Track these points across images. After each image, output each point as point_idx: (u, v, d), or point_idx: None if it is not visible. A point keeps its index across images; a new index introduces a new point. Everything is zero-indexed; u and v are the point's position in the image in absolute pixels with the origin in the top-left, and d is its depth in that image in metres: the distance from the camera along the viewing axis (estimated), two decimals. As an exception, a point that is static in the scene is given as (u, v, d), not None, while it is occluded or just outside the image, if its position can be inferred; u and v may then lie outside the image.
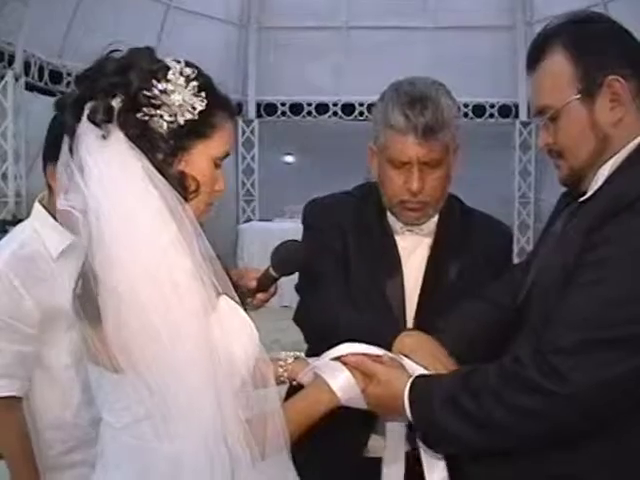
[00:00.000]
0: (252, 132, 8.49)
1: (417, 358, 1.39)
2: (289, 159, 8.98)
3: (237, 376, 1.07)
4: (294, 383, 1.43)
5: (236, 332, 1.10)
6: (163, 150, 1.09)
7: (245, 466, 1.05)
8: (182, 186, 1.10)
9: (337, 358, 1.36)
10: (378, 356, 1.37)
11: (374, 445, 1.63)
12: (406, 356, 1.40)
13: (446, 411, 1.23)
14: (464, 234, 1.70)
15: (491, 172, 7.92)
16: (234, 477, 1.05)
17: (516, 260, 1.72)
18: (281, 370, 1.42)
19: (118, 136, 1.06)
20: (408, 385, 1.30)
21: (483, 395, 1.21)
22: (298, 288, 1.74)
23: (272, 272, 1.56)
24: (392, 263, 1.66)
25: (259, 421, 1.08)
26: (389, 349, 1.42)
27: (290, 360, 1.44)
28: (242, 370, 1.08)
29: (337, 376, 1.33)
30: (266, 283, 1.58)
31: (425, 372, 1.36)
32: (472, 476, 1.28)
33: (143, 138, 1.08)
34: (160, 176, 1.06)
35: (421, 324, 1.59)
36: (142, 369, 1.01)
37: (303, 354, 1.47)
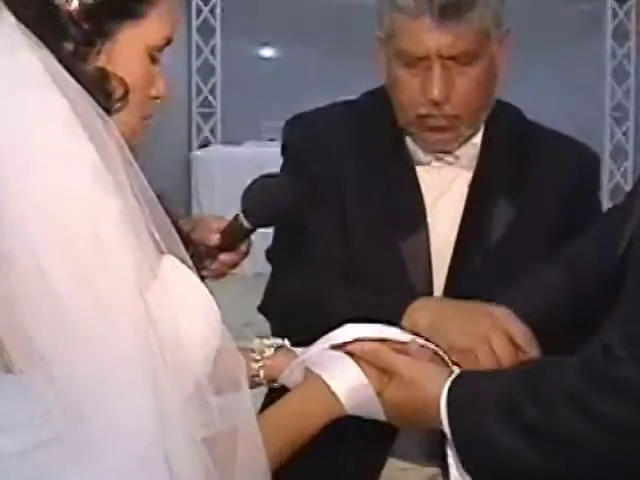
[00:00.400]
0: (212, 11, 8.37)
1: (456, 339, 1.42)
2: (267, 52, 8.85)
3: (189, 375, 1.08)
4: (275, 385, 1.49)
5: (188, 311, 1.11)
6: (73, 38, 1.09)
7: None
8: (103, 91, 1.10)
9: (339, 346, 1.40)
10: (401, 343, 1.41)
11: (392, 474, 1.67)
12: (427, 340, 1.44)
13: (502, 424, 1.28)
14: (523, 165, 1.70)
15: (569, 71, 7.84)
16: None
17: (606, 203, 1.83)
18: (256, 366, 1.46)
19: (4, 19, 1.05)
20: (446, 386, 1.34)
21: (557, 402, 1.25)
22: (272, 254, 1.76)
23: (243, 221, 1.56)
24: (412, 211, 1.66)
25: (224, 441, 1.09)
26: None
27: (269, 352, 1.48)
28: (196, 367, 1.08)
29: (340, 373, 1.36)
30: (234, 238, 1.60)
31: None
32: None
33: (42, 21, 1.07)
34: (70, 77, 1.05)
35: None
36: (46, 366, 1.00)
37: (287, 342, 1.50)
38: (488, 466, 1.33)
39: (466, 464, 1.34)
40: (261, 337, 1.50)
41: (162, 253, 1.10)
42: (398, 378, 1.38)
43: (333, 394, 1.36)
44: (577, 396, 1.24)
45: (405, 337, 1.44)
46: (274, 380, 1.49)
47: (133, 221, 1.04)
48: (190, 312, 1.11)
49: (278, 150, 1.81)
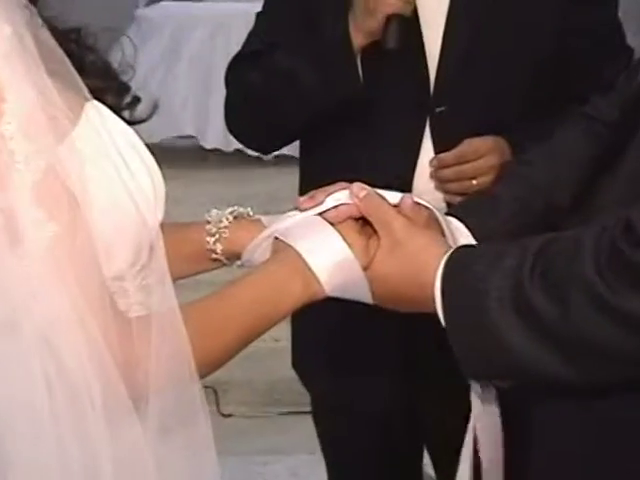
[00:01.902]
0: None
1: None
2: None
3: (110, 262, 1.09)
4: (238, 263, 1.39)
5: (113, 175, 1.10)
6: None
7: (96, 421, 1.03)
8: None
9: (319, 214, 1.34)
10: (393, 205, 1.34)
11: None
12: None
13: (507, 312, 1.19)
14: None
15: None
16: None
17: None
18: (211, 240, 1.38)
19: None
20: (444, 259, 1.25)
21: (569, 290, 1.16)
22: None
23: None
24: None
25: (139, 327, 1.08)
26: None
27: (226, 220, 1.39)
28: (120, 251, 1.10)
29: (320, 245, 1.29)
30: None
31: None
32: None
33: None
34: None
35: (450, 104, 1.91)
36: None
37: (250, 210, 1.43)
38: (490, 363, 1.23)
39: (464, 363, 1.24)
40: (219, 208, 1.43)
41: (86, 99, 1.10)
42: (391, 244, 1.29)
43: (311, 271, 1.26)
44: (593, 284, 1.15)
45: (394, 196, 1.35)
46: (236, 256, 1.39)
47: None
48: (115, 180, 1.10)
49: (247, 6, 1.90)
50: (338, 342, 2.05)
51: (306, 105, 1.93)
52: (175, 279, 1.14)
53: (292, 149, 2.40)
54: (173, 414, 1.10)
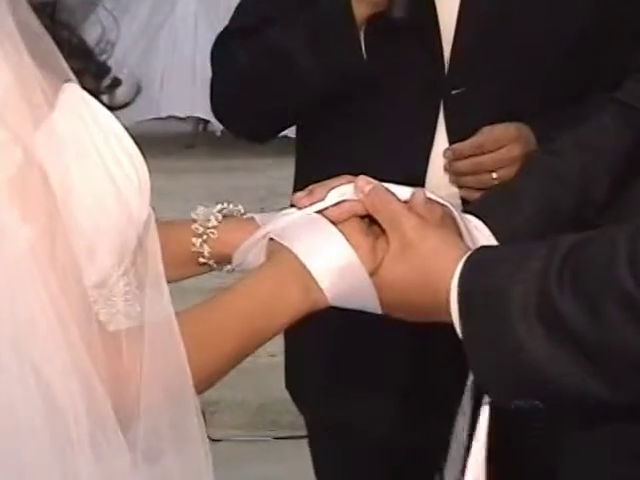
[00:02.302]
0: None
1: None
2: None
3: (95, 264, 1.09)
4: (229, 267, 1.39)
5: (94, 167, 1.10)
6: None
7: (80, 442, 1.02)
8: None
9: (320, 212, 1.33)
10: (403, 202, 1.33)
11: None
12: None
13: (531, 322, 1.19)
14: None
15: None
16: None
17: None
18: (198, 241, 1.37)
19: None
20: (461, 263, 1.24)
21: (602, 298, 1.16)
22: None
23: None
24: None
25: (129, 339, 1.09)
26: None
27: (215, 220, 1.38)
28: (105, 249, 1.10)
29: (321, 247, 1.29)
30: None
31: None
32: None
33: None
34: None
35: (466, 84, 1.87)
36: None
37: (241, 208, 1.42)
38: (511, 379, 1.23)
39: (482, 379, 1.24)
40: (207, 205, 1.41)
41: (67, 80, 1.09)
42: (402, 246, 1.28)
43: (311, 277, 1.25)
44: (628, 294, 1.14)
45: (404, 191, 1.33)
46: (226, 260, 1.38)
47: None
48: (97, 168, 1.10)
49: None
50: (337, 358, 2.01)
51: (302, 87, 1.88)
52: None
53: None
54: (166, 436, 1.09)
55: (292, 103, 1.94)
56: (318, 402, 2.05)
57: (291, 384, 2.12)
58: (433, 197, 1.35)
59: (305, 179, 1.48)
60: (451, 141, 1.88)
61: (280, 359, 2.23)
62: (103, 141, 1.12)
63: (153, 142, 5.07)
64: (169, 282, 1.31)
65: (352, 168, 1.38)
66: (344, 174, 1.35)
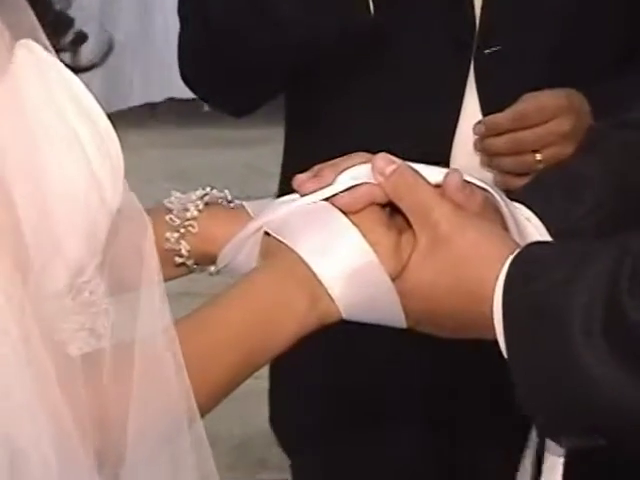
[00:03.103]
0: None
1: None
2: None
3: (60, 261, 1.09)
4: (212, 270, 1.39)
5: (56, 142, 1.11)
6: None
7: None
8: None
9: (328, 199, 1.32)
10: (434, 186, 1.32)
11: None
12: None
13: (596, 339, 1.19)
14: None
15: None
16: None
17: None
18: (173, 237, 1.37)
19: None
20: (507, 263, 1.24)
21: None
22: None
23: None
24: None
25: (115, 358, 1.10)
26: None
27: (195, 209, 1.39)
28: (71, 243, 1.09)
29: (330, 244, 1.28)
30: None
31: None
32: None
33: None
34: None
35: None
36: None
37: (228, 194, 1.42)
38: (572, 412, 1.23)
39: (535, 413, 1.25)
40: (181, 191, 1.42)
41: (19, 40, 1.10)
42: (433, 242, 1.27)
43: (319, 282, 1.25)
44: None
45: (436, 173, 1.31)
46: (209, 260, 1.37)
47: None
48: (61, 144, 1.11)
49: None
50: (335, 389, 1.96)
51: (286, 41, 1.80)
52: (120, 292, 1.14)
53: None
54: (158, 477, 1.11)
55: (274, 63, 1.87)
56: (309, 445, 2.01)
57: (276, 420, 2.09)
58: (472, 180, 1.32)
59: (295, 159, 1.49)
60: (484, 112, 1.82)
61: (266, 384, 2.20)
62: (72, 110, 1.13)
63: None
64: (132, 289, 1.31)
65: (357, 145, 1.36)
66: (347, 153, 1.33)
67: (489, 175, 1.80)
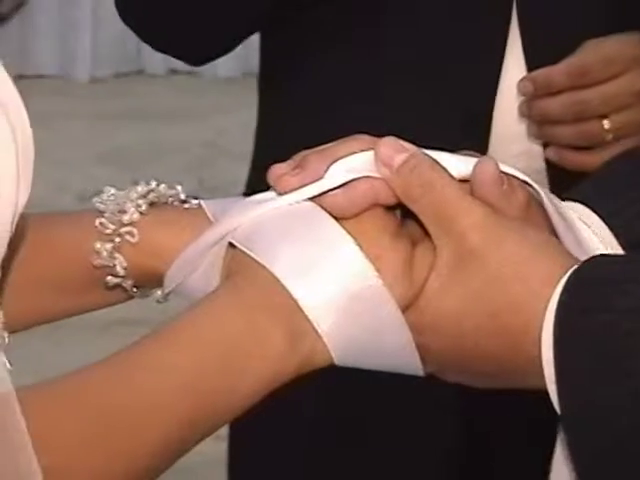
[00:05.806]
0: None
1: None
2: None
3: None
4: (157, 294, 1.27)
5: None
6: None
7: None
8: None
9: (314, 198, 1.21)
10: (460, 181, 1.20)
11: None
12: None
13: None
14: None
15: None
16: None
17: None
18: (106, 248, 1.25)
19: None
20: (561, 285, 1.12)
21: None
22: None
23: None
24: None
25: None
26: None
27: (135, 210, 1.27)
28: None
29: (315, 257, 1.19)
30: None
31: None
32: None
33: None
34: None
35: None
36: None
37: (180, 191, 1.29)
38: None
39: (592, 475, 1.09)
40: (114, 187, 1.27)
41: None
42: (458, 257, 1.14)
43: (301, 314, 1.11)
44: None
45: (461, 163, 1.17)
46: (154, 281, 1.22)
47: None
48: None
49: None
50: (320, 458, 1.74)
51: None
52: (31, 324, 1.09)
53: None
54: None
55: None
56: None
57: None
58: (511, 171, 1.14)
59: (271, 141, 1.45)
60: (530, 66, 1.63)
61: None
62: None
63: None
64: (53, 318, 1.22)
65: (357, 114, 1.34)
66: (348, 134, 1.15)
67: (538, 148, 1.64)
